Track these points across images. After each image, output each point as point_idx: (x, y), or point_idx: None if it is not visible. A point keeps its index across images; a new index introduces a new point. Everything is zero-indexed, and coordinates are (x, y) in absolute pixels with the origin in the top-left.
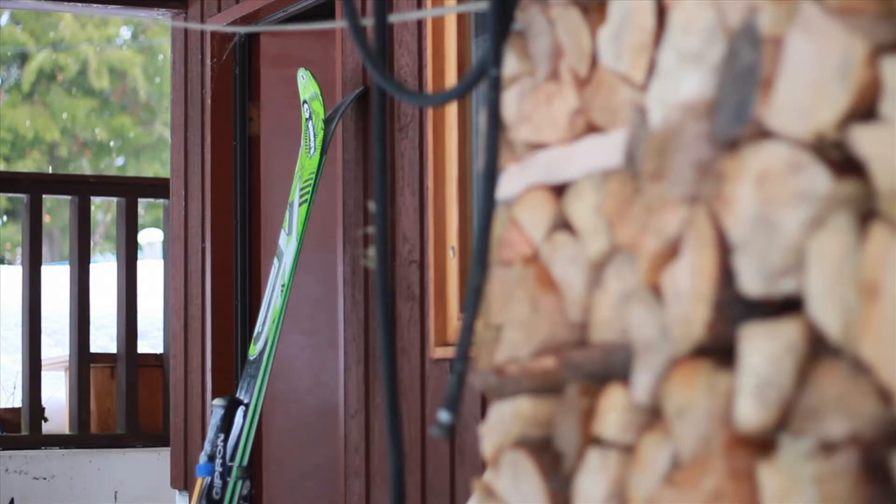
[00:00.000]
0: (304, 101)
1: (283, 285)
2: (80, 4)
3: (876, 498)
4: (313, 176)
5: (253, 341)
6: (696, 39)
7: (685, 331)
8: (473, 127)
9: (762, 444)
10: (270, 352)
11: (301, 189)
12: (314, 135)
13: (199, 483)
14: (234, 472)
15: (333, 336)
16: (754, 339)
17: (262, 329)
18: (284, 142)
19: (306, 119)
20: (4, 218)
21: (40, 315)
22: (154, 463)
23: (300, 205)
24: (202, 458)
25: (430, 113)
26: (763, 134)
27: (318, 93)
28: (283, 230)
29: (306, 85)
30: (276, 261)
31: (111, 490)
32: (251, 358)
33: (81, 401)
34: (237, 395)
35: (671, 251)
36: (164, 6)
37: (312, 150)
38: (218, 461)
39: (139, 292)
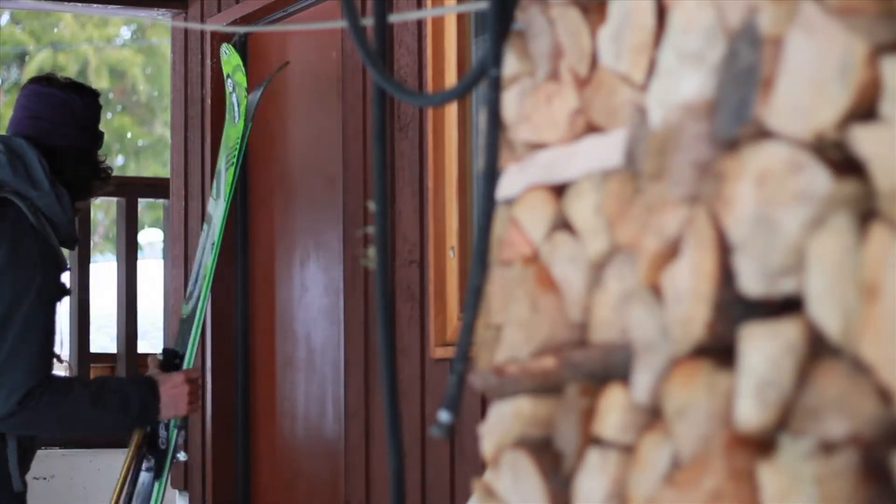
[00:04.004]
0: (228, 76)
1: (213, 244)
2: (80, 4)
3: (876, 498)
4: (238, 142)
5: (185, 301)
6: (696, 39)
7: (685, 331)
8: (473, 127)
9: (762, 444)
10: (202, 308)
11: (227, 156)
12: (237, 104)
13: (139, 435)
14: (172, 423)
15: (333, 336)
16: (754, 339)
17: (194, 289)
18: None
19: (230, 92)
20: None
21: None
22: None
23: (227, 169)
24: None
25: (430, 113)
26: (763, 134)
27: (241, 65)
28: (210, 197)
29: (229, 60)
30: (205, 226)
31: (111, 490)
32: (184, 317)
33: None
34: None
35: (671, 251)
36: (164, 6)
37: (237, 119)
38: None
39: (139, 292)
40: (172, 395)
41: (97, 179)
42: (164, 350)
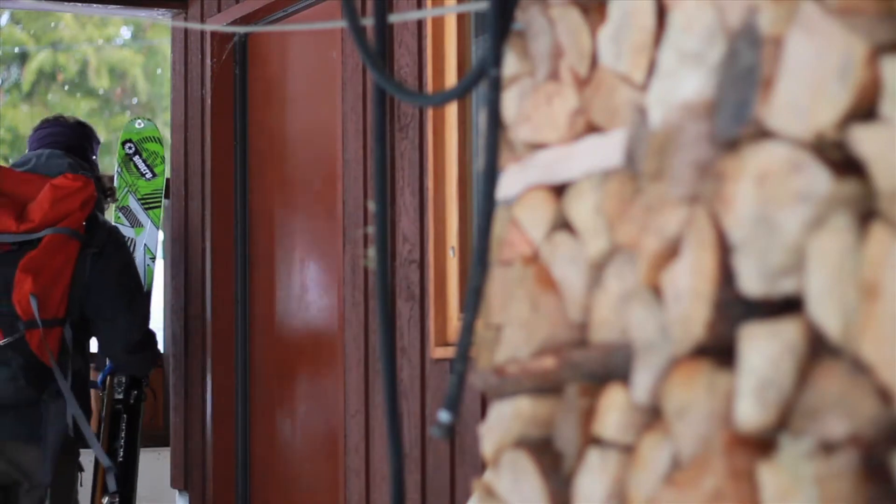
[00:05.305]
0: (129, 141)
1: (152, 258)
2: (80, 4)
3: (876, 498)
4: (161, 189)
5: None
6: (696, 39)
7: (685, 331)
8: (473, 127)
9: (762, 444)
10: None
11: (144, 202)
12: (149, 166)
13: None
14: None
15: (333, 335)
16: (754, 339)
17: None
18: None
19: (128, 154)
20: None
21: None
22: (154, 463)
23: (151, 209)
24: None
25: (430, 113)
26: (763, 134)
27: (159, 136)
28: (125, 224)
29: (142, 130)
30: (132, 247)
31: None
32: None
33: None
34: None
35: (671, 251)
36: (164, 6)
37: (150, 175)
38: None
39: None
40: None
41: None
42: None
